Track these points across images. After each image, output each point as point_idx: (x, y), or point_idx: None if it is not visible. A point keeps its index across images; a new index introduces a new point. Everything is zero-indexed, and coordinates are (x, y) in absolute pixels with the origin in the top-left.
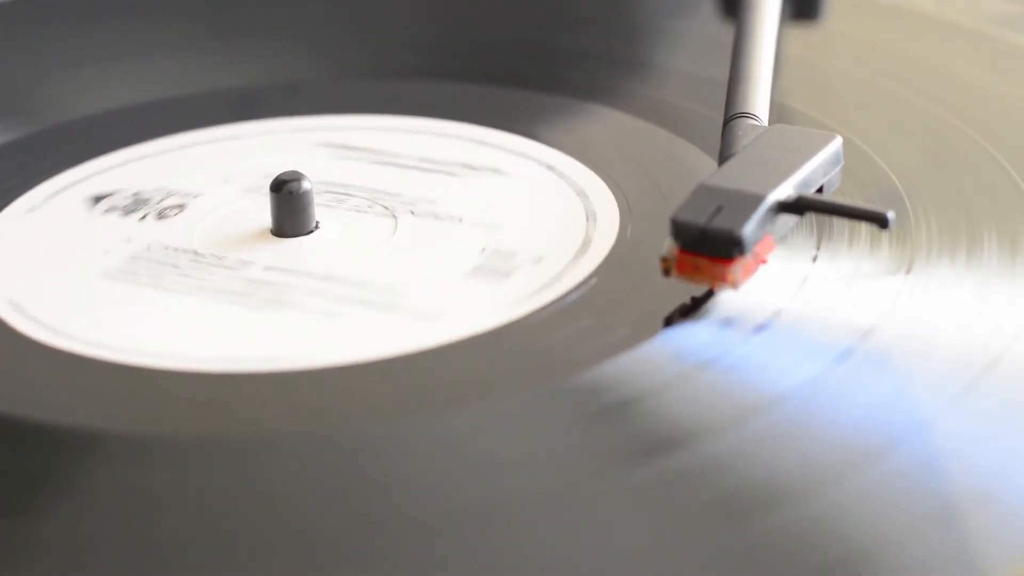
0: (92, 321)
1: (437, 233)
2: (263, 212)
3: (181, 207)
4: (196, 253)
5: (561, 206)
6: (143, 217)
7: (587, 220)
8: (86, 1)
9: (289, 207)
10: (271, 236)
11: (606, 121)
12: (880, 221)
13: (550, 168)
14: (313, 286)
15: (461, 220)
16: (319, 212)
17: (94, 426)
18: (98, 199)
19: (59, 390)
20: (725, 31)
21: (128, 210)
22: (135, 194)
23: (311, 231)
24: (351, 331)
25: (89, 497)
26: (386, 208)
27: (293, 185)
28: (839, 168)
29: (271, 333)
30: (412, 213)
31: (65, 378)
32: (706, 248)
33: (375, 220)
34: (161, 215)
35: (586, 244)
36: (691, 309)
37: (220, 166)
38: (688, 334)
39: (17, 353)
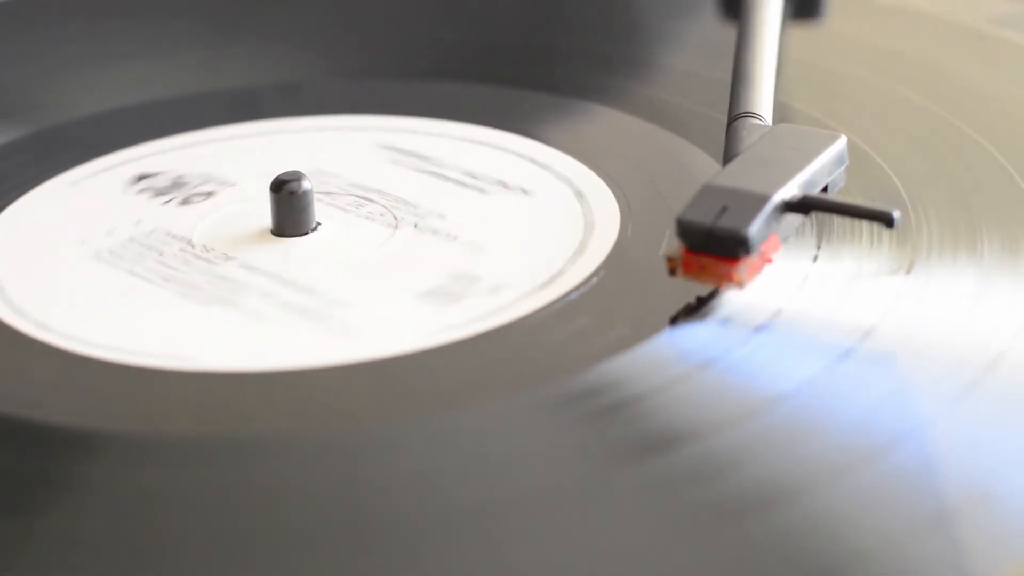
0: (56, 305)
1: (421, 249)
2: (236, 226)
3: (209, 195)
4: (189, 243)
5: (556, 218)
6: (168, 201)
7: (584, 230)
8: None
9: (288, 207)
10: (271, 236)
11: (607, 121)
12: (886, 220)
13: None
14: (270, 289)
15: (455, 238)
16: (335, 213)
17: (93, 426)
18: (141, 178)
19: (57, 389)
20: (725, 30)
21: (160, 192)
22: (177, 177)
23: (307, 232)
24: (275, 339)
25: (88, 497)
26: (395, 218)
27: (293, 185)
28: (844, 168)
29: (204, 330)
30: (415, 226)
31: (63, 377)
32: (712, 248)
33: (375, 228)
34: (186, 201)
35: (557, 274)
36: (696, 309)
37: (264, 158)
38: (688, 334)
39: (14, 352)
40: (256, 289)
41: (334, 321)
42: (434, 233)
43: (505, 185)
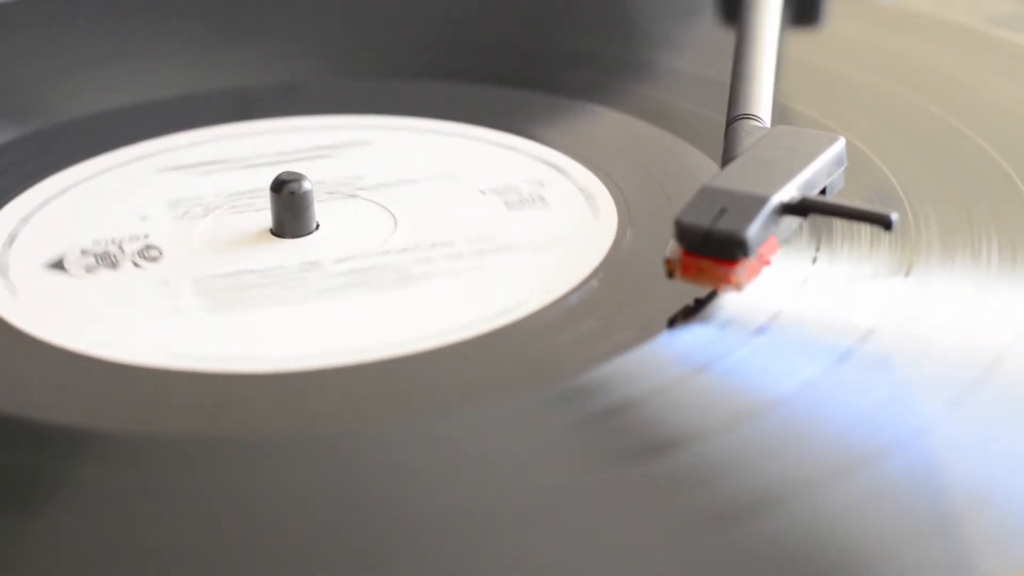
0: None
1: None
2: (236, 226)
3: (154, 248)
4: (252, 271)
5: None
6: (136, 265)
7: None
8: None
9: (292, 207)
10: (273, 237)
11: (607, 122)
12: (884, 222)
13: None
14: (419, 257)
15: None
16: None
17: (93, 426)
18: (56, 264)
19: (59, 390)
20: (725, 33)
21: (110, 264)
22: (84, 251)
23: (310, 232)
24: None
25: (86, 496)
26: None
27: (293, 185)
28: (842, 169)
29: (424, 306)
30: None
31: (65, 378)
32: (710, 250)
33: (369, 209)
34: (149, 259)
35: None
36: (694, 311)
37: (124, 204)
38: (687, 336)
39: (17, 352)
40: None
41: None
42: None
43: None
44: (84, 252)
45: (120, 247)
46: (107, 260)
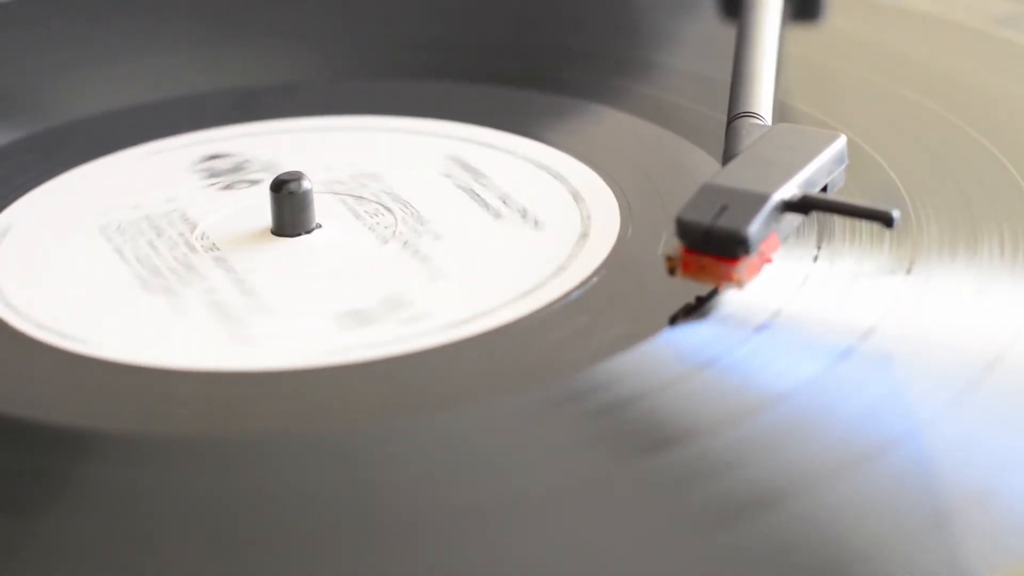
0: (13, 281)
1: (407, 264)
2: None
3: (254, 183)
4: (180, 234)
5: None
6: (211, 184)
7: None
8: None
9: (287, 206)
10: (270, 235)
11: (607, 122)
12: (885, 220)
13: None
14: (217, 286)
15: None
16: (347, 217)
17: (93, 426)
18: (210, 158)
19: (58, 390)
20: (725, 30)
21: (213, 174)
22: (207, 156)
23: (305, 233)
24: (182, 336)
25: (87, 497)
26: (394, 233)
27: (293, 185)
28: (843, 167)
29: (128, 317)
30: (405, 244)
31: (64, 378)
32: (711, 247)
33: (369, 236)
34: (229, 187)
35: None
36: (695, 308)
37: (332, 154)
38: (688, 333)
39: (15, 352)
40: (206, 285)
41: (243, 327)
42: (415, 253)
43: (504, 194)
44: (207, 157)
45: (224, 165)
46: (202, 172)
